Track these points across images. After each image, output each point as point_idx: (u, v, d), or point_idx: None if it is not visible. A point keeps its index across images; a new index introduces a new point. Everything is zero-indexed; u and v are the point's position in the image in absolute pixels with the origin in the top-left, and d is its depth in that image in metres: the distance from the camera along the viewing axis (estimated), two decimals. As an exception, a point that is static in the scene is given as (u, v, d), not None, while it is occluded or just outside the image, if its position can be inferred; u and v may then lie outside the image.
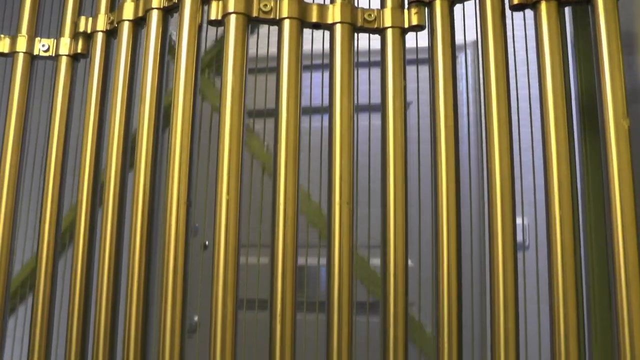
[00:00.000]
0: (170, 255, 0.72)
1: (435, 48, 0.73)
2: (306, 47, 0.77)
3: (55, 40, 0.86)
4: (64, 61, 0.85)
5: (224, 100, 0.73)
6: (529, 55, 0.89)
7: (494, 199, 0.66)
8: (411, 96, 0.75)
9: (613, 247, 0.66)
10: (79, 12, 0.87)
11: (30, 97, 0.85)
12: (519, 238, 0.68)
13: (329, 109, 0.74)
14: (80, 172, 0.79)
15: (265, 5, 0.75)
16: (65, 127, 0.83)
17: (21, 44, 0.85)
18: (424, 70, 0.76)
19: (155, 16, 0.79)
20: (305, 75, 0.74)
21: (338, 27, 0.75)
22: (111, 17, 0.83)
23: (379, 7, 0.77)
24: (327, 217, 0.71)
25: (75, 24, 0.86)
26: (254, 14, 0.75)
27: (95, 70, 0.83)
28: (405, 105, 0.73)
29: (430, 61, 0.73)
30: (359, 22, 0.76)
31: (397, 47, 0.75)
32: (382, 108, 0.74)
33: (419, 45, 0.80)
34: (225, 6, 0.75)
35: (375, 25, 0.76)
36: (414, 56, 0.79)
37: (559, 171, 0.69)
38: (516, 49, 0.79)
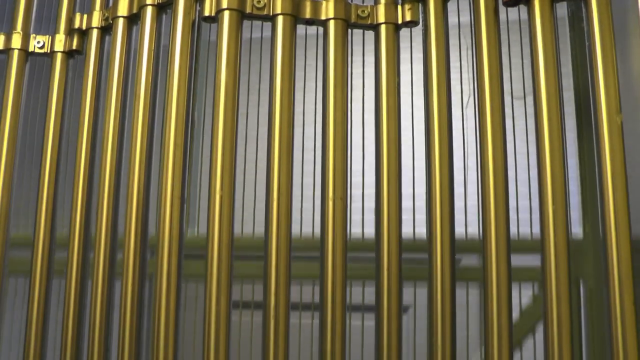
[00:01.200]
0: (164, 252, 0.72)
1: (429, 43, 0.73)
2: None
3: (50, 37, 0.86)
4: (59, 58, 0.85)
5: (218, 96, 0.73)
6: (523, 50, 0.89)
7: (487, 193, 0.66)
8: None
9: (605, 241, 0.66)
10: (73, 8, 0.87)
11: (26, 93, 0.85)
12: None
13: (322, 105, 0.74)
14: (75, 167, 0.80)
15: (259, 2, 0.75)
16: (60, 123, 0.83)
17: (16, 41, 0.85)
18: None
19: (149, 13, 0.79)
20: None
21: (331, 23, 0.75)
22: (106, 14, 0.83)
23: (372, 3, 0.77)
24: (321, 212, 0.71)
25: (70, 20, 0.86)
26: (248, 10, 0.75)
27: (90, 66, 0.83)
28: (399, 101, 0.73)
29: (424, 56, 0.73)
30: (353, 18, 0.76)
31: (391, 43, 0.75)
32: (375, 105, 0.74)
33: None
34: (218, 3, 0.75)
35: (369, 22, 0.76)
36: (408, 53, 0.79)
37: (552, 164, 0.69)
38: (510, 43, 0.79)
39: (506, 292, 0.66)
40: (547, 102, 0.69)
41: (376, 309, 0.69)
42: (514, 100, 0.78)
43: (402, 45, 0.77)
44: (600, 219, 0.67)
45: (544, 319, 0.64)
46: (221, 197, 0.71)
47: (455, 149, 0.72)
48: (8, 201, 0.80)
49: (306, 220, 0.77)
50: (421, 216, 0.77)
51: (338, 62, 0.75)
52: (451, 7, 0.76)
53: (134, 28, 0.82)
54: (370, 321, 0.71)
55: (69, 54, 0.86)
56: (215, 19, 0.76)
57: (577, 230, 0.81)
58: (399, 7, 0.76)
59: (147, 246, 0.75)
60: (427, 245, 0.70)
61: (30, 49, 0.85)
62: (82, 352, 0.76)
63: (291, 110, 0.74)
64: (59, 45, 0.85)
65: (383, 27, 0.76)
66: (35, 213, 0.79)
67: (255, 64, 0.84)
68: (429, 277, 0.69)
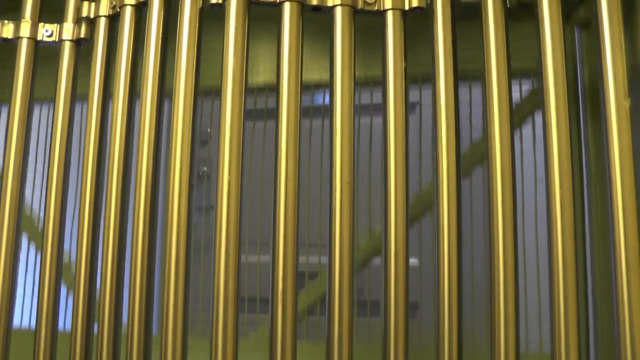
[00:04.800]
0: (172, 239, 0.72)
1: (436, 29, 0.73)
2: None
3: (58, 26, 0.86)
4: (67, 46, 0.86)
5: (225, 82, 0.74)
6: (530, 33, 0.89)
7: (493, 174, 0.67)
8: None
9: (614, 227, 0.66)
10: (81, -3, 0.87)
11: (34, 82, 0.85)
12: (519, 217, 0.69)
13: (329, 91, 0.74)
14: (84, 155, 0.80)
15: (266, -12, 0.75)
16: (69, 111, 0.83)
17: (25, 29, 0.86)
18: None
19: (156, 0, 0.79)
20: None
21: (338, 10, 0.75)
22: (114, 2, 0.84)
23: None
24: (329, 198, 0.72)
25: (78, 9, 0.86)
26: (255, -4, 0.76)
27: (98, 54, 0.83)
28: (407, 86, 0.73)
29: (431, 42, 0.73)
30: (360, 5, 0.76)
31: (398, 28, 0.75)
32: (382, 90, 0.74)
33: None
34: (226, -11, 0.75)
35: (376, 7, 0.76)
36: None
37: (559, 150, 0.69)
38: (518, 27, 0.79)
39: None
40: (555, 85, 0.69)
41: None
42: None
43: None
44: (607, 202, 0.67)
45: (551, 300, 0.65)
46: (229, 182, 0.71)
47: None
48: (18, 187, 0.81)
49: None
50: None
51: (345, 48, 0.75)
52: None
53: (142, 16, 0.82)
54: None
55: (77, 42, 0.86)
56: (222, 5, 0.76)
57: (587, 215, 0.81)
58: (406, -8, 0.76)
59: (155, 231, 0.76)
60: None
61: (39, 37, 0.86)
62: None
63: (298, 97, 0.74)
64: (67, 34, 0.86)
65: (390, 13, 0.76)
66: (45, 196, 0.80)
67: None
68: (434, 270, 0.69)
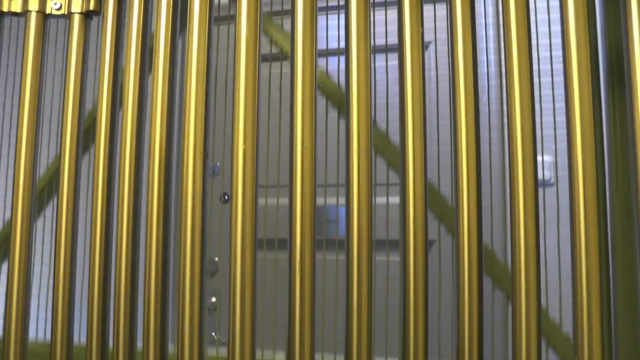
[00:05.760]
0: (188, 207, 0.72)
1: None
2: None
3: (67, -2, 0.85)
4: (76, 19, 0.84)
5: (239, 49, 0.72)
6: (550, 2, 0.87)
7: (514, 136, 0.65)
8: (429, 36, 0.73)
9: (637, 192, 0.64)
10: (90, -31, 0.86)
11: (44, 55, 0.84)
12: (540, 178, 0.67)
13: (345, 53, 0.73)
14: (96, 129, 0.79)
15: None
16: (80, 84, 0.82)
17: (33, 3, 0.84)
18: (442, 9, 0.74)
19: (166, -31, 0.78)
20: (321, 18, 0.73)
21: (352, -27, 0.74)
22: (122, -27, 0.82)
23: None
24: (345, 166, 0.71)
25: (86, -19, 0.85)
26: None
27: (108, 26, 0.82)
28: (423, 45, 0.71)
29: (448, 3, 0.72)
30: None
31: (414, -9, 0.73)
32: (399, 49, 0.72)
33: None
34: (237, -46, 0.74)
35: (391, -30, 0.75)
36: None
37: (582, 117, 0.67)
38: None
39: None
40: (578, 59, 0.68)
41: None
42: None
43: None
44: (631, 173, 0.66)
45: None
46: (244, 150, 0.70)
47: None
48: (32, 160, 0.80)
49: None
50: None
51: (360, 6, 0.73)
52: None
53: (152, -14, 0.81)
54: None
55: (86, 14, 0.85)
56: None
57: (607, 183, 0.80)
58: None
59: (169, 202, 0.75)
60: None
61: (48, 10, 0.85)
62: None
63: (314, 63, 0.72)
64: (76, 6, 0.85)
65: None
66: (58, 166, 0.79)
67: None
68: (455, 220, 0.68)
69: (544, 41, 0.85)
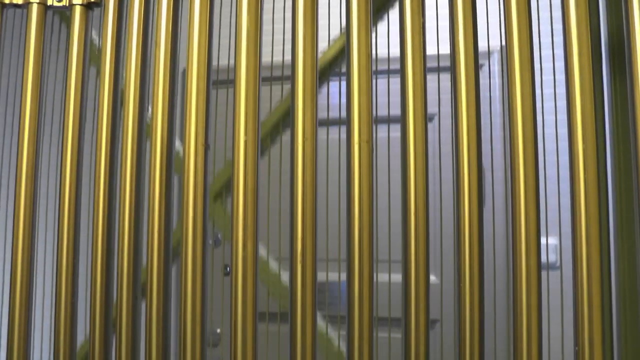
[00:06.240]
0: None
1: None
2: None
3: (68, -10, 0.85)
4: (77, 10, 0.84)
5: (239, 42, 0.72)
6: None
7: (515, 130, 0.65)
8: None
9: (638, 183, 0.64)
10: (91, -40, 0.86)
11: (46, 47, 0.84)
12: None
13: (347, 48, 0.73)
14: (97, 119, 0.80)
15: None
16: (82, 75, 0.83)
17: (35, -5, 0.84)
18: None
19: (167, -40, 0.78)
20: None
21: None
22: (123, -36, 0.82)
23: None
24: (347, 156, 0.71)
25: (87, -28, 0.85)
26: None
27: (109, 18, 0.82)
28: (425, 41, 0.71)
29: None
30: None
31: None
32: (400, 45, 0.72)
33: None
34: (238, -55, 0.73)
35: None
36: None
37: (583, 107, 0.67)
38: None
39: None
40: (579, 44, 0.68)
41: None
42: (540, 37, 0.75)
43: None
44: (633, 162, 0.66)
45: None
46: (245, 142, 0.70)
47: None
48: (34, 149, 0.80)
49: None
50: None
51: (361, 10, 0.73)
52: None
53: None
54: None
55: (87, 6, 0.85)
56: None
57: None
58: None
59: (170, 194, 0.75)
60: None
61: (49, 2, 0.85)
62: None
63: (315, 54, 0.72)
64: (78, -2, 0.84)
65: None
66: (60, 159, 0.80)
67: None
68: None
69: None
